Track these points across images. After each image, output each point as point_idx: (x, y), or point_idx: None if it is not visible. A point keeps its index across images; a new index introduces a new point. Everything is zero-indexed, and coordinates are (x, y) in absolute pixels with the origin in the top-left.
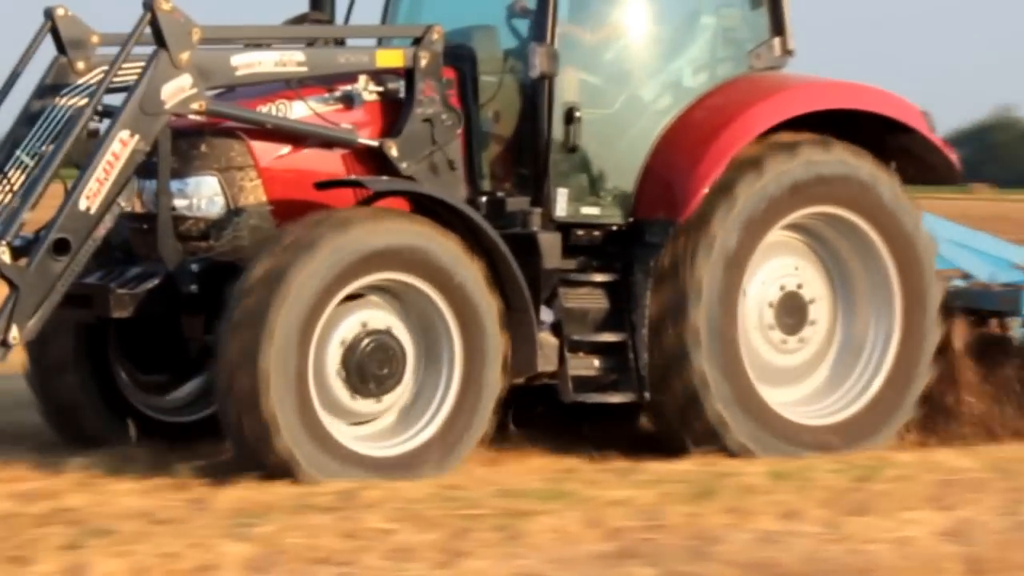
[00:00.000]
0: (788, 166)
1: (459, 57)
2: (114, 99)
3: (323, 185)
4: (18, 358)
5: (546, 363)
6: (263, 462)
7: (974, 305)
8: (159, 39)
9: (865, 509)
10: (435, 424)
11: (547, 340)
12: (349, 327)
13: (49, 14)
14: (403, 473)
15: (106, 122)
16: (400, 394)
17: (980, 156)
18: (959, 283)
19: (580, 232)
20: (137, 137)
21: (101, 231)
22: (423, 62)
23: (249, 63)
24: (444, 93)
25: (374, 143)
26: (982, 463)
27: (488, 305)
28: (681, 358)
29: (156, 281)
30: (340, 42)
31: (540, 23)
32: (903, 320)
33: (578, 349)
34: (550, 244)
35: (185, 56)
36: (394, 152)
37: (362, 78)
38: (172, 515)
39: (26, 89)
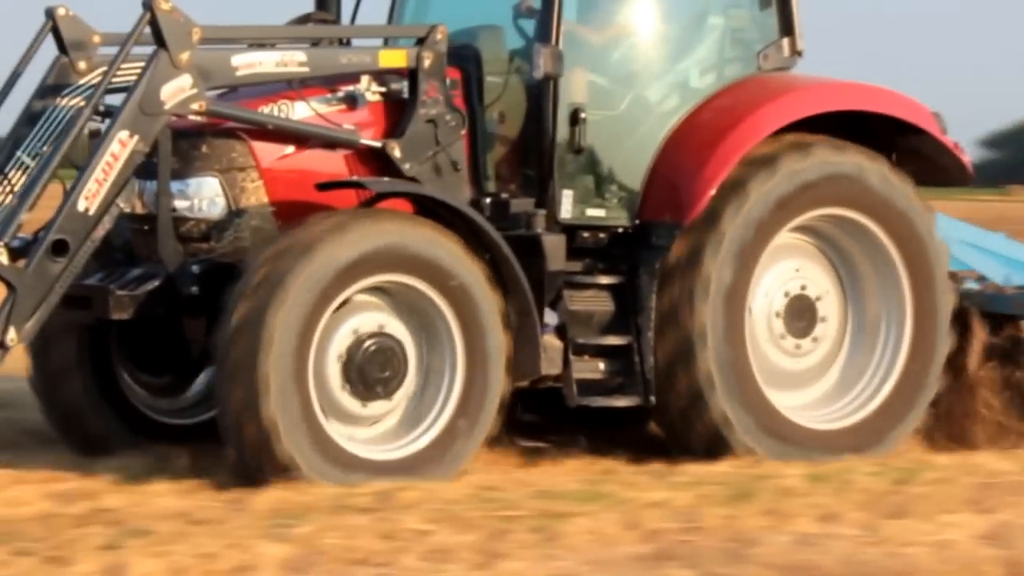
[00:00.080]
0: (801, 166)
1: (464, 57)
2: (116, 99)
3: (324, 186)
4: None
5: (550, 366)
6: (263, 468)
7: (987, 308)
8: (159, 39)
9: (904, 512)
10: (437, 428)
11: (551, 343)
12: (350, 330)
13: (50, 14)
14: (405, 477)
15: (108, 122)
16: (402, 397)
17: (1019, 157)
18: (973, 285)
19: (585, 234)
20: (136, 138)
21: (100, 232)
22: (427, 62)
23: (250, 63)
24: (448, 94)
25: (377, 144)
26: (1022, 466)
27: (491, 307)
28: (687, 361)
29: (156, 283)
30: (346, 42)
31: (545, 23)
32: (914, 323)
33: (583, 352)
34: (554, 246)
35: (185, 56)
36: (397, 153)
37: (365, 78)
38: (210, 515)
39: (27, 89)
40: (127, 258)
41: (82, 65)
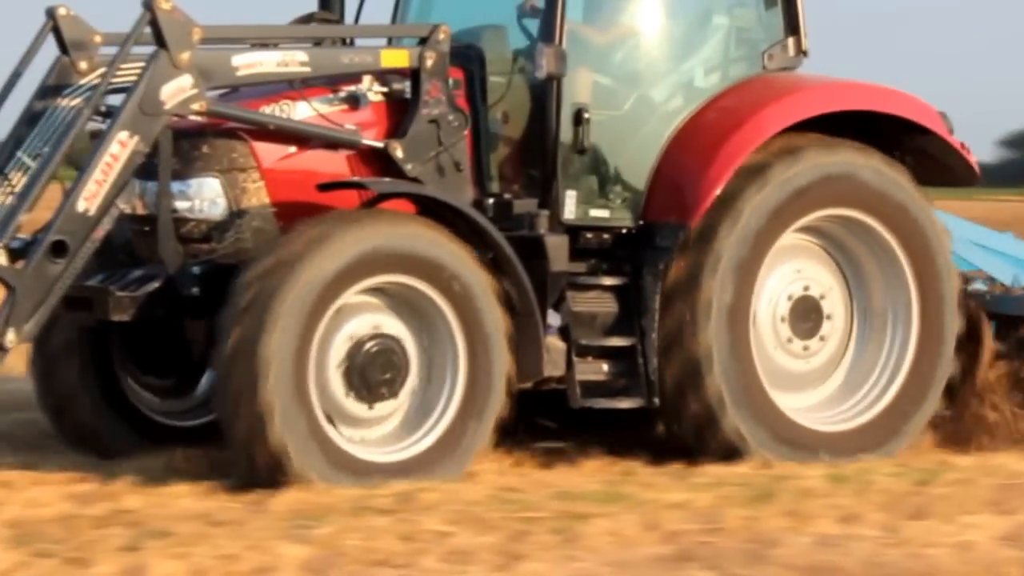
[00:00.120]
0: (792, 172)
1: (467, 57)
2: (118, 100)
3: (325, 187)
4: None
5: (553, 368)
6: (254, 455)
7: (994, 310)
8: (159, 39)
9: (924, 513)
10: (438, 430)
11: (554, 344)
12: (351, 330)
13: (51, 14)
14: (403, 478)
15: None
16: (403, 399)
17: None
18: (980, 286)
19: (589, 235)
20: (136, 138)
21: (100, 233)
22: (429, 62)
23: (251, 63)
24: (450, 93)
25: (379, 144)
26: None
27: (493, 309)
28: (695, 383)
29: (157, 284)
30: (350, 42)
31: (548, 23)
32: (921, 313)
33: (586, 354)
34: (557, 247)
35: (185, 56)
36: (399, 153)
37: (367, 78)
38: (229, 517)
39: (28, 89)
40: (129, 259)
41: (83, 65)
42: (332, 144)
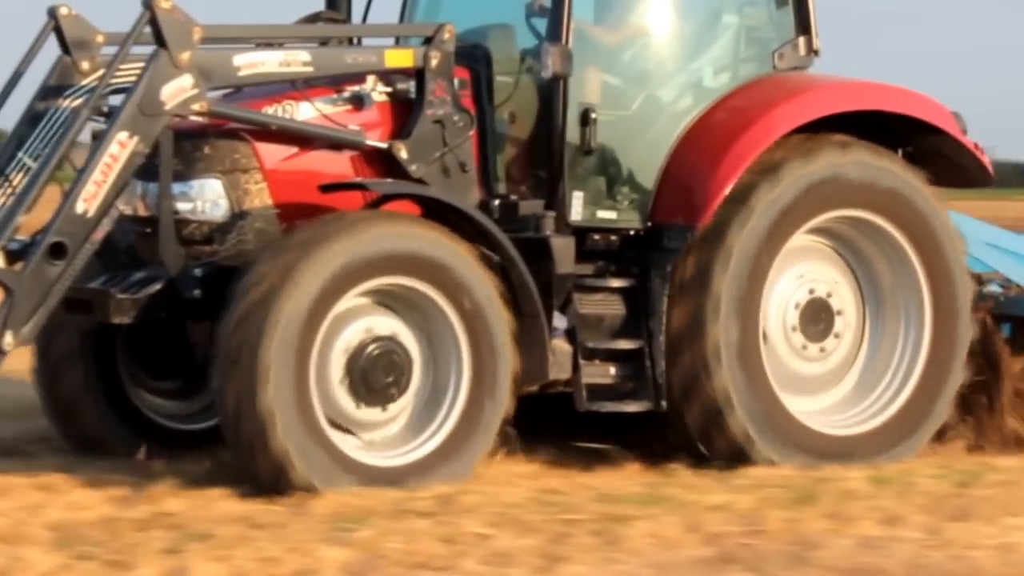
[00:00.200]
0: (805, 171)
1: (474, 57)
2: (119, 100)
3: (328, 188)
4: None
5: (559, 371)
6: (257, 462)
7: (1009, 312)
8: (159, 38)
9: (967, 515)
10: (443, 433)
11: (560, 347)
12: (354, 333)
13: (53, 13)
14: (408, 483)
15: None
16: (406, 402)
17: None
18: (995, 288)
19: (596, 236)
20: (136, 139)
21: (99, 234)
22: (434, 62)
23: (252, 63)
24: (456, 94)
25: (383, 145)
26: None
27: (497, 311)
28: (702, 381)
29: (158, 286)
30: (358, 42)
31: (555, 22)
32: (933, 322)
33: (593, 357)
34: (563, 248)
35: (186, 56)
36: (404, 154)
37: (371, 78)
38: (271, 520)
39: (29, 89)
40: (131, 261)
41: (85, 65)
42: (335, 145)
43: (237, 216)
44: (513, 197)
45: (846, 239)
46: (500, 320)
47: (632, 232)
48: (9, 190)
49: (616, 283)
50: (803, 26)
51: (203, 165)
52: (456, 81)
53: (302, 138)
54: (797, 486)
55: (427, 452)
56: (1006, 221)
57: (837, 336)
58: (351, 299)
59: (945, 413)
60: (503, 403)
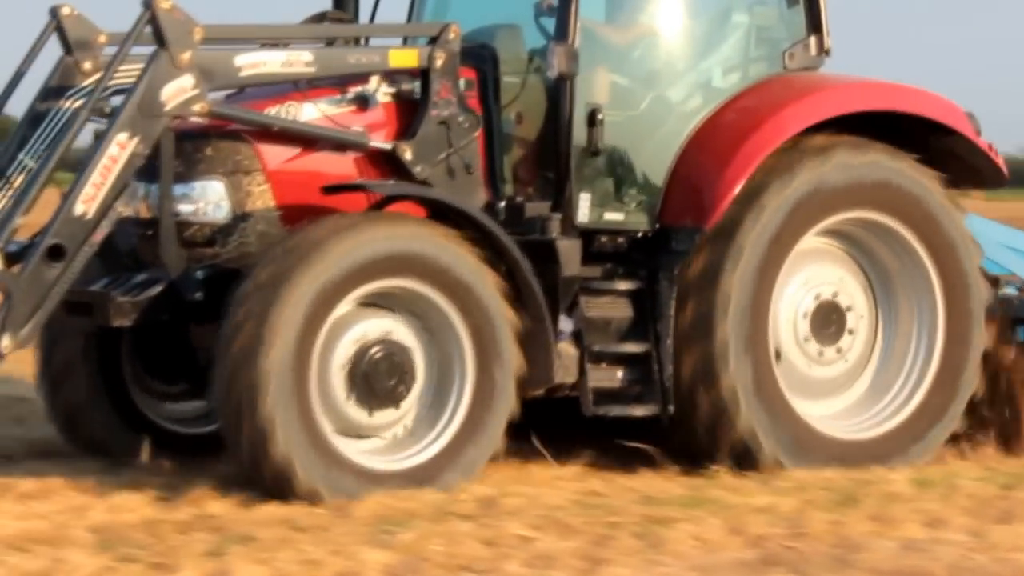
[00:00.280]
0: (820, 171)
1: (480, 57)
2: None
3: (331, 189)
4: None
5: (565, 374)
6: (260, 469)
7: (1019, 315)
8: (159, 38)
9: (1011, 517)
10: (446, 437)
11: (567, 350)
12: (355, 336)
13: (55, 13)
14: (410, 487)
15: None
16: (409, 406)
17: None
18: (1010, 291)
19: (603, 238)
20: (136, 140)
21: (98, 236)
22: (439, 62)
23: (254, 63)
24: (461, 94)
25: (387, 146)
26: None
27: (502, 314)
28: (710, 379)
29: (159, 288)
30: (366, 42)
31: (562, 21)
32: (946, 326)
33: (600, 360)
34: (569, 251)
35: (186, 56)
36: (408, 155)
37: (375, 79)
38: (313, 522)
39: (31, 89)
40: (133, 264)
41: (87, 65)
42: (339, 146)
43: (239, 218)
44: (519, 199)
45: (857, 241)
46: (503, 320)
47: (640, 234)
48: (10, 192)
49: (623, 286)
50: (814, 25)
51: (205, 167)
52: (462, 81)
53: (305, 139)
54: (840, 488)
55: (431, 456)
56: (1021, 222)
57: (851, 332)
58: (349, 303)
59: (957, 419)
60: (507, 407)
